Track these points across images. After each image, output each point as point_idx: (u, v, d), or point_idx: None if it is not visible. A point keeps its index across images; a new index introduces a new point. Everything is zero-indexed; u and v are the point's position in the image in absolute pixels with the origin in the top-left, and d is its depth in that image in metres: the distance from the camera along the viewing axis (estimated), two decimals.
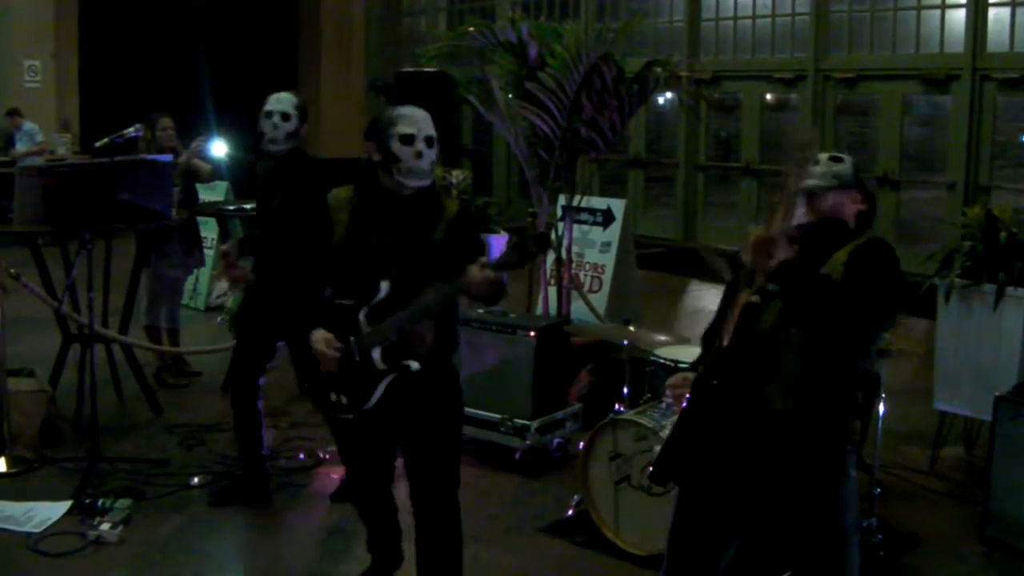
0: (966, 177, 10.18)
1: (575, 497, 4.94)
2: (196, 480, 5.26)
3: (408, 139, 3.50)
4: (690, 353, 5.00)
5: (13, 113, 13.13)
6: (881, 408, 4.57)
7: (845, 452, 3.02)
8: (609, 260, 7.77)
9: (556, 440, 5.71)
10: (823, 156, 3.10)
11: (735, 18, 12.53)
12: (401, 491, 3.90)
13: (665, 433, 4.33)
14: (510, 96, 6.52)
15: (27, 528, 4.70)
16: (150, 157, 6.14)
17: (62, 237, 6.15)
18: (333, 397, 3.66)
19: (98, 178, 5.24)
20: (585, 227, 7.80)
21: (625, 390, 4.95)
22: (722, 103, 12.87)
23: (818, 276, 2.86)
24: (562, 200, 6.89)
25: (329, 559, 4.63)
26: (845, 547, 3.02)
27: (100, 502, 4.86)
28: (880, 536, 4.48)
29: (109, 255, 6.17)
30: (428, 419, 3.63)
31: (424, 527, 3.73)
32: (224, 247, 5.16)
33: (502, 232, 8.32)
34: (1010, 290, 5.22)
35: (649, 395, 4.98)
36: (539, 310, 6.92)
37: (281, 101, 4.89)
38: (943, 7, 10.53)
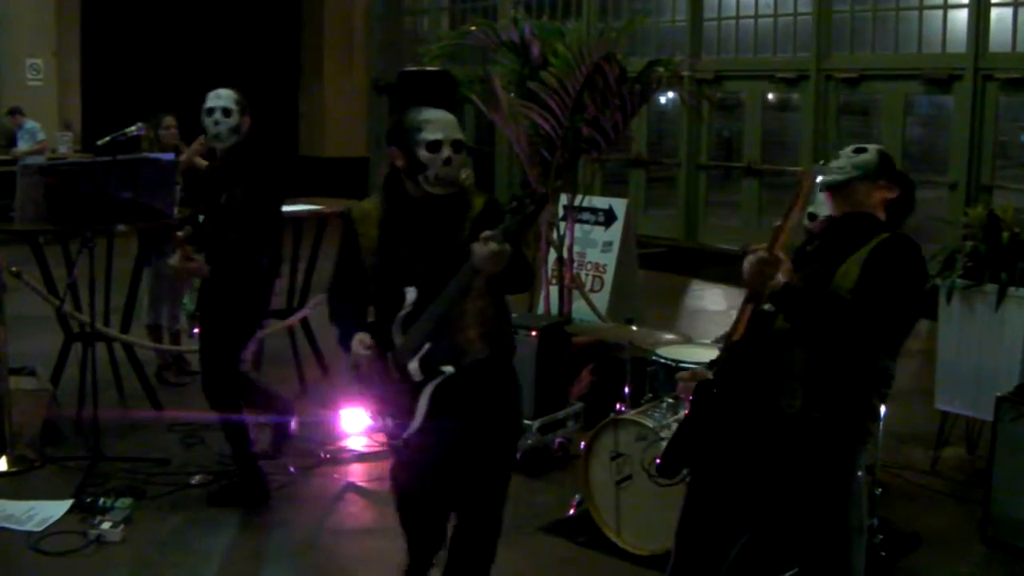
0: (968, 177, 10.17)
1: (576, 497, 4.94)
2: (197, 479, 5.25)
3: (435, 146, 3.33)
4: (692, 353, 5.01)
5: (15, 112, 13.13)
6: (883, 408, 4.55)
7: (855, 452, 2.99)
8: (611, 260, 7.76)
9: (557, 439, 5.71)
10: (847, 148, 3.03)
11: (737, 18, 12.52)
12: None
13: (666, 433, 4.33)
14: (512, 95, 6.52)
15: (28, 527, 4.70)
16: (152, 156, 6.14)
17: (63, 236, 6.14)
18: (383, 422, 3.51)
19: (100, 177, 5.24)
20: (587, 226, 7.80)
21: (626, 390, 4.95)
22: (724, 103, 12.87)
23: (820, 297, 2.80)
24: (564, 199, 6.89)
25: (329, 559, 4.63)
26: (850, 546, 3.01)
27: (101, 501, 4.86)
28: (881, 536, 4.48)
29: (111, 254, 6.17)
30: (481, 429, 3.45)
31: (462, 540, 3.62)
32: (180, 233, 5.11)
33: None
34: (1012, 290, 5.22)
35: (651, 395, 4.98)
36: (540, 309, 6.92)
37: (221, 97, 4.88)
38: (945, 7, 10.53)
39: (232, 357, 4.92)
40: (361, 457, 5.75)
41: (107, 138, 5.08)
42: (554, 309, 6.85)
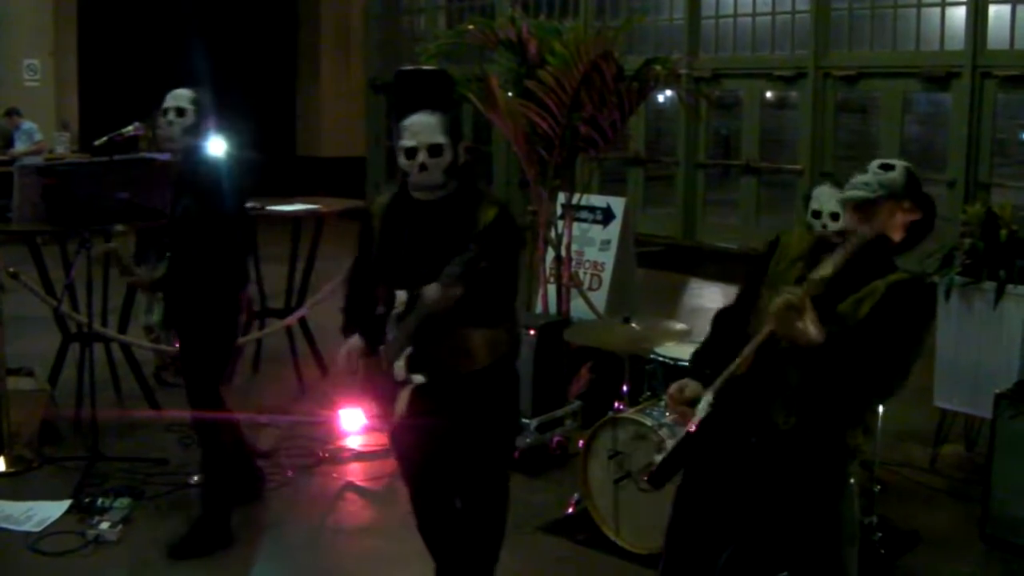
0: (966, 174, 10.16)
1: (575, 495, 4.94)
2: (195, 479, 5.24)
3: (411, 153, 3.39)
4: (690, 351, 4.99)
5: (12, 112, 13.11)
6: (880, 406, 4.56)
7: (845, 467, 2.99)
8: (609, 258, 7.76)
9: (556, 438, 5.71)
10: (873, 163, 2.92)
11: (735, 16, 12.51)
12: None
13: (664, 432, 4.33)
14: (510, 94, 6.51)
15: (26, 527, 4.70)
16: (150, 155, 6.14)
17: (61, 236, 6.14)
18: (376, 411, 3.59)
19: (97, 177, 5.24)
20: (585, 225, 7.79)
21: (625, 388, 4.95)
22: (722, 101, 12.86)
23: (834, 344, 2.76)
24: (562, 198, 6.89)
25: (328, 558, 4.63)
26: (843, 556, 3.01)
27: (99, 501, 4.86)
28: (880, 534, 4.48)
29: (108, 254, 6.16)
30: (469, 430, 3.50)
31: (462, 538, 3.68)
32: (107, 247, 4.89)
33: None
34: (1010, 288, 5.22)
35: (649, 393, 4.98)
36: (538, 308, 6.91)
37: (176, 97, 4.63)
38: (943, 5, 10.52)
39: (209, 376, 4.62)
40: (359, 456, 5.75)
41: (104, 138, 5.07)
42: (552, 308, 6.85)
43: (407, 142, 3.41)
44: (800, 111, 11.87)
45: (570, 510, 4.95)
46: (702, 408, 2.90)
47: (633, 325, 4.97)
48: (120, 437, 5.82)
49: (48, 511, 4.84)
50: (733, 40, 12.57)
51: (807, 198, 4.15)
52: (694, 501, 3.11)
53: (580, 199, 6.99)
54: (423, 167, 3.39)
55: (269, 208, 7.03)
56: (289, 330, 7.06)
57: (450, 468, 3.61)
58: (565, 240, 6.85)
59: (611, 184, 13.18)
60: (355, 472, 5.58)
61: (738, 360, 2.86)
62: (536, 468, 5.51)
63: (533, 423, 5.50)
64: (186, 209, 4.49)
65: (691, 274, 11.67)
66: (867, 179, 2.88)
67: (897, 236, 2.89)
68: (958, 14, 10.32)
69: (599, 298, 7.62)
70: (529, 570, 4.47)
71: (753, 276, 3.12)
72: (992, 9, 10.06)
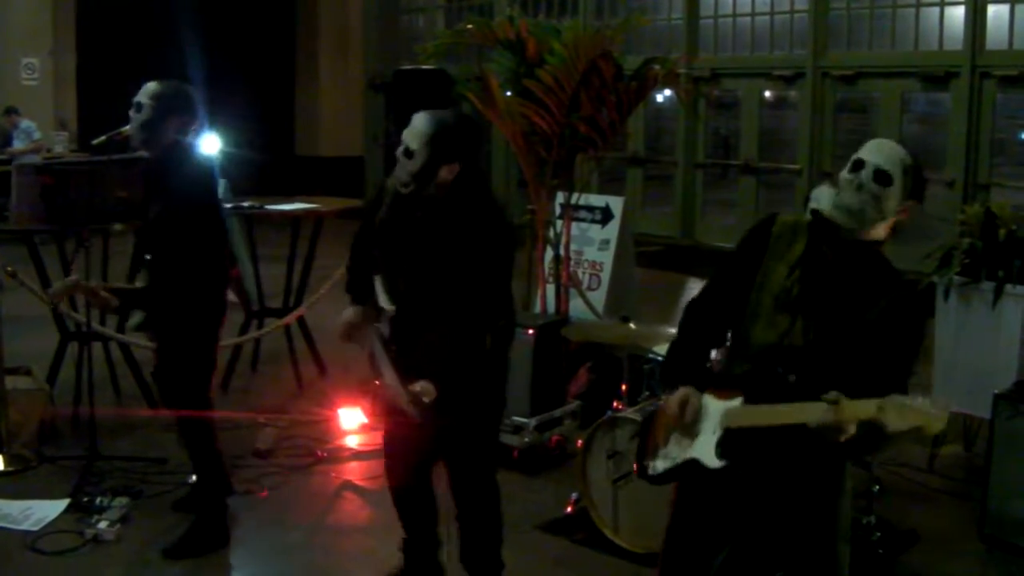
0: (965, 174, 10.17)
1: (573, 495, 4.94)
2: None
3: (403, 151, 3.54)
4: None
5: (10, 111, 13.11)
6: None
7: (844, 467, 3.01)
8: (608, 258, 7.76)
9: (554, 438, 5.70)
10: (867, 171, 2.84)
11: (734, 15, 12.52)
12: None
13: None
14: (508, 93, 6.51)
15: (25, 526, 4.69)
16: (147, 154, 6.12)
17: (59, 235, 6.14)
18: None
19: (95, 176, 5.24)
20: (584, 225, 7.79)
21: (623, 388, 4.95)
22: (721, 101, 12.86)
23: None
24: (560, 197, 6.89)
25: (326, 557, 4.62)
26: (837, 554, 3.01)
27: (98, 500, 4.85)
28: (879, 534, 4.48)
29: (107, 253, 6.16)
30: (450, 412, 3.57)
31: (461, 518, 3.87)
32: (66, 284, 4.60)
33: None
34: (1009, 288, 5.21)
35: (647, 393, 4.98)
36: (537, 308, 6.91)
37: (140, 91, 4.43)
38: (942, 4, 10.53)
39: (194, 379, 4.52)
40: (357, 456, 5.74)
41: (103, 137, 5.06)
42: (551, 307, 6.85)
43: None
44: (799, 111, 11.88)
45: (569, 509, 4.94)
46: (709, 443, 2.96)
47: (631, 325, 4.97)
48: (118, 436, 5.82)
49: (46, 510, 4.83)
50: (732, 40, 12.58)
51: (807, 199, 4.15)
52: (694, 501, 3.11)
53: (579, 199, 6.99)
54: (401, 165, 3.53)
55: (268, 207, 7.03)
56: (287, 329, 7.06)
57: (431, 445, 3.75)
58: (564, 240, 6.85)
59: (610, 184, 13.18)
60: (353, 471, 5.57)
61: (761, 423, 2.86)
62: (535, 467, 5.51)
63: (532, 423, 5.49)
64: (160, 214, 4.35)
65: (690, 274, 11.67)
66: (861, 203, 2.81)
67: (886, 234, 2.91)
68: (957, 14, 10.33)
69: (598, 298, 7.62)
70: (527, 569, 4.46)
71: (739, 265, 3.06)
72: (991, 9, 10.07)
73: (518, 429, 5.48)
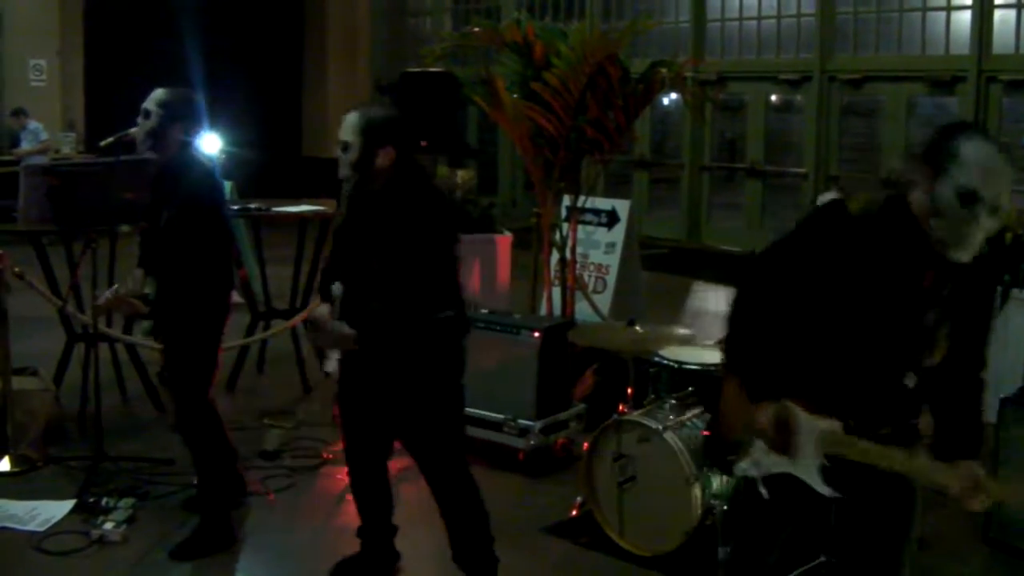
0: None
1: (579, 498, 4.94)
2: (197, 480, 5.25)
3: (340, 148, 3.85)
4: (695, 354, 5.00)
5: (18, 113, 13.16)
6: None
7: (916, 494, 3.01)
8: (614, 261, 7.76)
9: (560, 440, 5.70)
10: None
11: (740, 19, 12.52)
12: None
13: (669, 436, 4.34)
14: (515, 96, 6.51)
15: (31, 527, 4.70)
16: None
17: (67, 236, 6.15)
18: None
19: (103, 177, 5.24)
20: (590, 228, 7.80)
21: (629, 391, 4.94)
22: (727, 104, 12.86)
23: None
24: (567, 200, 6.89)
25: (332, 559, 4.63)
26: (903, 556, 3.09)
27: (104, 501, 4.85)
28: None
29: (114, 254, 6.17)
30: (389, 395, 3.82)
31: (444, 515, 4.01)
32: (118, 293, 4.72)
33: (506, 232, 8.32)
34: (1015, 292, 5.22)
35: (653, 396, 4.97)
36: (543, 311, 6.92)
37: (148, 98, 4.48)
38: (948, 9, 10.53)
39: (196, 386, 4.54)
40: None
41: (110, 139, 5.07)
42: (557, 310, 6.85)
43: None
44: (805, 114, 11.88)
45: (574, 512, 4.94)
46: (810, 466, 2.80)
47: (637, 328, 4.97)
48: (125, 437, 5.83)
49: (52, 511, 4.84)
50: (739, 43, 12.59)
51: (813, 204, 4.16)
52: (776, 515, 2.98)
53: (585, 201, 6.99)
54: (339, 161, 3.80)
55: (275, 209, 7.05)
56: (294, 331, 7.06)
57: (384, 432, 3.99)
58: (570, 242, 6.85)
59: (616, 187, 13.20)
60: None
61: (859, 459, 2.76)
62: (540, 470, 5.51)
63: (538, 425, 5.50)
64: (170, 221, 4.38)
65: (695, 277, 11.66)
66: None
67: None
68: (963, 18, 10.33)
69: (604, 301, 7.62)
70: (532, 572, 4.47)
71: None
72: (997, 14, 10.07)
73: (524, 432, 5.48)
